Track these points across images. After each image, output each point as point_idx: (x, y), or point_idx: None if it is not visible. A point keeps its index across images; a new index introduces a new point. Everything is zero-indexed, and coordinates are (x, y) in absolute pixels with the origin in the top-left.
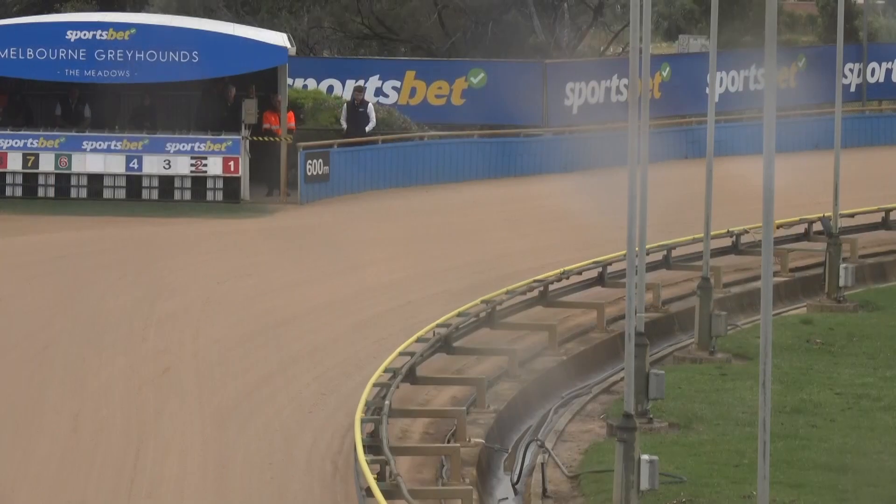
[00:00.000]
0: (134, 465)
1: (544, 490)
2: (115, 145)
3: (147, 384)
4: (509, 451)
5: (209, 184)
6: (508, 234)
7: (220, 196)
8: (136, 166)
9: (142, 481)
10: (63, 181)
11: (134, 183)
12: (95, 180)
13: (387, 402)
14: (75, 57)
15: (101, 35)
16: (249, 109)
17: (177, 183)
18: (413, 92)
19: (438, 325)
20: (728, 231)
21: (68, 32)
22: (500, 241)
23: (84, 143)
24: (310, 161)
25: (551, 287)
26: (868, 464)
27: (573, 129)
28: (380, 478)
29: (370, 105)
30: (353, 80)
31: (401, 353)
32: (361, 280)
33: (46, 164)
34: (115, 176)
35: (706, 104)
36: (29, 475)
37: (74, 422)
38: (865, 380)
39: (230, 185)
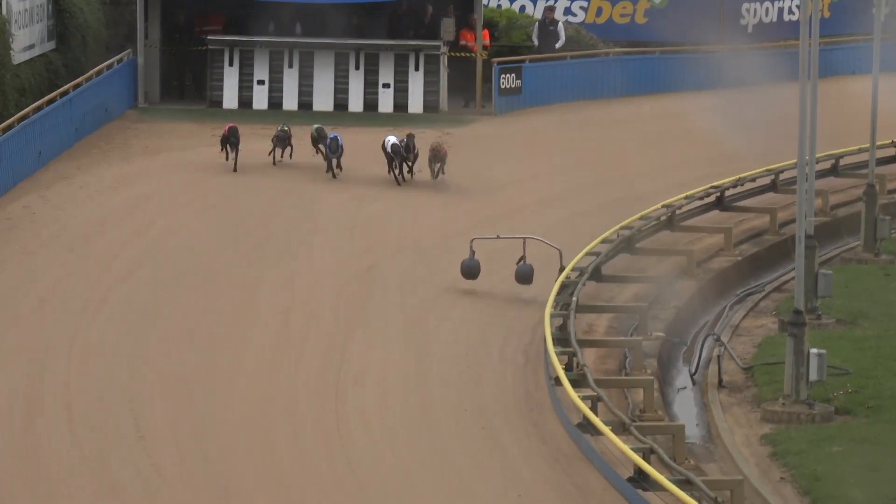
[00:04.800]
0: (342, 353)
1: (720, 380)
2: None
3: (353, 280)
4: (688, 344)
5: (412, 95)
6: (688, 143)
7: (420, 108)
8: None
9: (349, 368)
10: (276, 94)
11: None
12: (305, 93)
13: (574, 299)
14: None
15: None
16: (447, 27)
17: (381, 94)
18: (599, 11)
19: (622, 228)
20: (892, 142)
21: None
22: (679, 149)
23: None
24: (503, 75)
25: (727, 193)
26: None
27: (753, 46)
28: (567, 368)
29: (559, 24)
30: (544, 0)
31: (587, 254)
32: (549, 186)
33: (261, 72)
34: (323, 90)
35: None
36: (245, 364)
37: (286, 315)
38: None
39: (430, 97)
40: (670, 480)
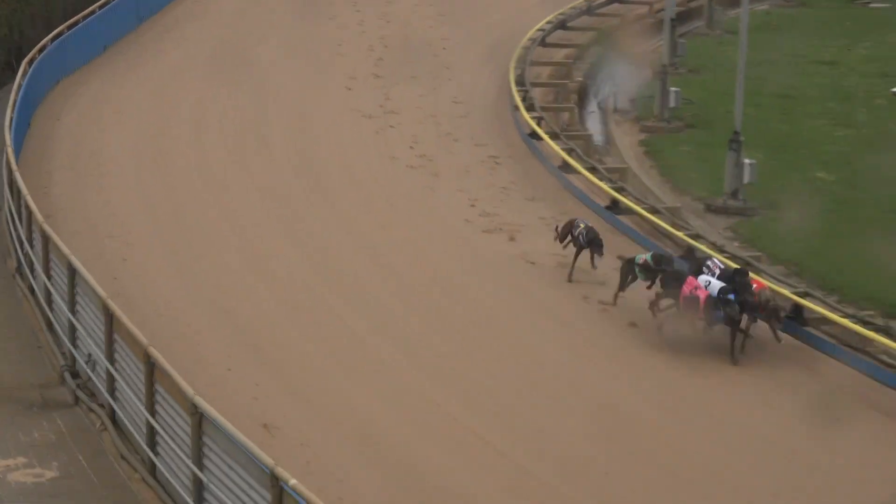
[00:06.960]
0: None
1: (615, 108)
2: None
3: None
4: (596, 84)
5: None
6: None
7: None
8: None
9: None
10: None
11: None
12: None
13: (529, 57)
14: None
15: None
16: None
17: None
18: None
19: (558, 14)
20: None
21: None
22: None
23: None
24: None
25: None
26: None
27: None
28: (524, 99)
29: None
30: None
31: (537, 30)
32: None
33: None
34: None
35: None
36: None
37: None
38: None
39: None
40: (584, 168)
